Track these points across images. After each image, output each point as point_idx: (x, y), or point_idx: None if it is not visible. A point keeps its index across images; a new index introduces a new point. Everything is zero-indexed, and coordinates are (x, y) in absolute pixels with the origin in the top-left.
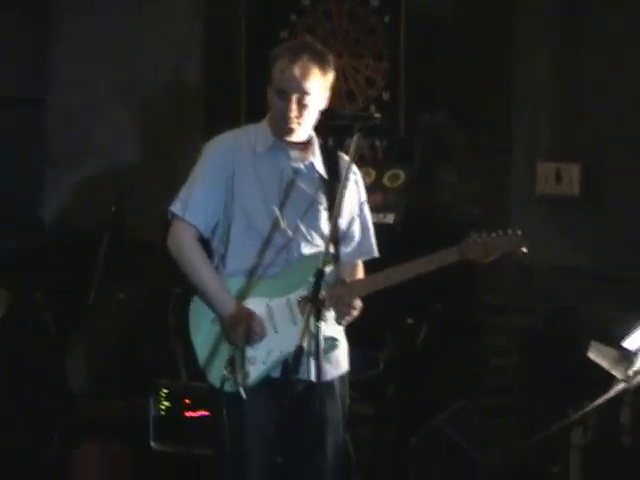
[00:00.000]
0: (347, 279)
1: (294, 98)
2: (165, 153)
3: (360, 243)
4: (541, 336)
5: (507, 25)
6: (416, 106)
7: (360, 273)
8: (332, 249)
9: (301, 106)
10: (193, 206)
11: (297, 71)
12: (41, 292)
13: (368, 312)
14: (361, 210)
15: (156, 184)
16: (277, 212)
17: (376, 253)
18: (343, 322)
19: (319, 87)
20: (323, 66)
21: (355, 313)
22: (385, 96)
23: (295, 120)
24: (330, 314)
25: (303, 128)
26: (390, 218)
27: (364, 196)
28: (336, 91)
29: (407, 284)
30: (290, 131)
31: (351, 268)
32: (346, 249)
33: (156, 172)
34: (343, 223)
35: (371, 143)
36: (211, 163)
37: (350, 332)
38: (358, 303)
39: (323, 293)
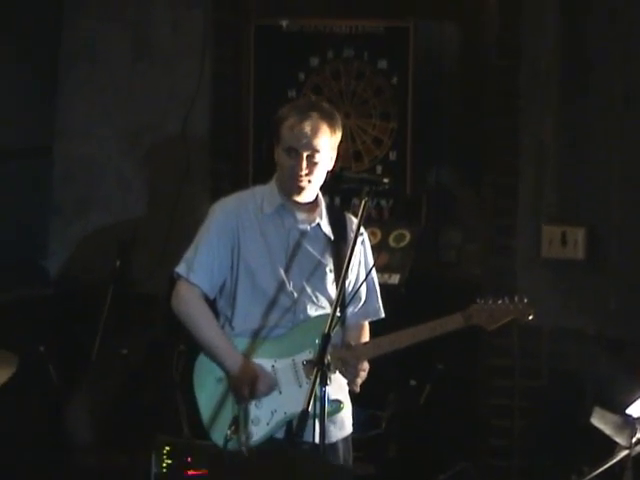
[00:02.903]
0: (352, 342)
1: (304, 155)
2: (170, 205)
3: (366, 304)
4: (545, 398)
5: (514, 86)
6: (423, 166)
7: (366, 335)
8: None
9: (311, 164)
10: (198, 268)
11: (307, 128)
12: (44, 344)
13: (371, 372)
14: (367, 271)
15: (161, 237)
16: (282, 274)
17: (382, 314)
18: (355, 388)
19: (328, 145)
20: (332, 125)
21: (364, 375)
22: (392, 156)
23: (305, 178)
24: (335, 377)
25: (312, 187)
26: (395, 279)
27: (370, 257)
28: (343, 151)
29: (411, 345)
30: (300, 190)
31: (357, 330)
32: (352, 309)
33: (161, 225)
34: (350, 285)
35: (377, 203)
36: (216, 225)
37: (353, 392)
38: (366, 365)
39: (329, 357)
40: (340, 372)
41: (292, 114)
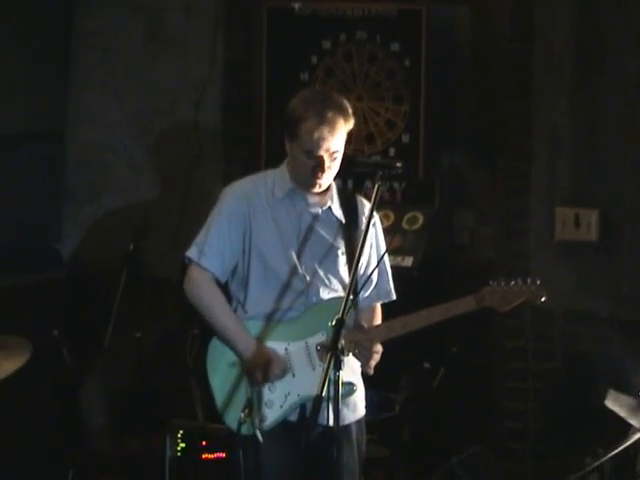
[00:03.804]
0: (365, 325)
1: (326, 157)
2: (182, 189)
3: (378, 287)
4: (558, 381)
5: (527, 69)
6: (435, 149)
7: (378, 317)
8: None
9: (330, 161)
10: (209, 252)
11: (326, 132)
12: (58, 328)
13: (384, 355)
14: (379, 254)
15: (173, 221)
16: (295, 257)
17: (394, 296)
18: (369, 370)
19: (344, 138)
20: (346, 117)
21: (377, 357)
22: (405, 138)
23: (325, 175)
24: (348, 359)
25: (330, 179)
26: (408, 261)
27: (382, 240)
28: (356, 133)
29: (424, 328)
30: (320, 185)
31: (369, 312)
32: (364, 293)
33: (173, 209)
34: (362, 268)
35: (390, 186)
36: (228, 209)
37: (366, 374)
38: (379, 347)
39: (342, 342)
40: (354, 355)
41: (309, 116)
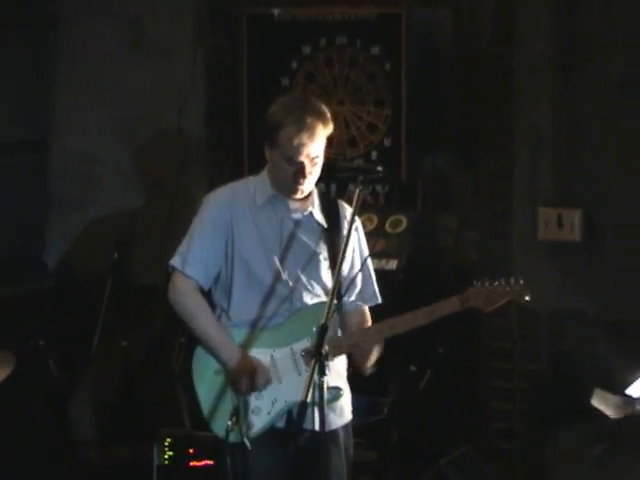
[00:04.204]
0: (354, 328)
1: (306, 163)
2: (168, 196)
3: (362, 291)
4: (545, 381)
5: (508, 70)
6: (418, 151)
7: (368, 319)
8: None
9: (311, 166)
10: (192, 260)
11: (306, 138)
12: (44, 338)
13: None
14: (362, 257)
15: (159, 228)
16: (278, 263)
17: (379, 299)
18: (366, 372)
19: (324, 142)
20: (325, 122)
21: (373, 357)
22: (387, 142)
23: (306, 181)
24: (333, 364)
25: (312, 184)
26: (393, 264)
27: (365, 244)
28: (338, 138)
29: (410, 330)
30: (302, 191)
31: (358, 316)
32: (349, 298)
33: (159, 216)
34: (345, 272)
35: (372, 189)
36: (210, 217)
37: (354, 378)
38: (377, 349)
39: (326, 347)
40: (354, 355)
41: (288, 122)
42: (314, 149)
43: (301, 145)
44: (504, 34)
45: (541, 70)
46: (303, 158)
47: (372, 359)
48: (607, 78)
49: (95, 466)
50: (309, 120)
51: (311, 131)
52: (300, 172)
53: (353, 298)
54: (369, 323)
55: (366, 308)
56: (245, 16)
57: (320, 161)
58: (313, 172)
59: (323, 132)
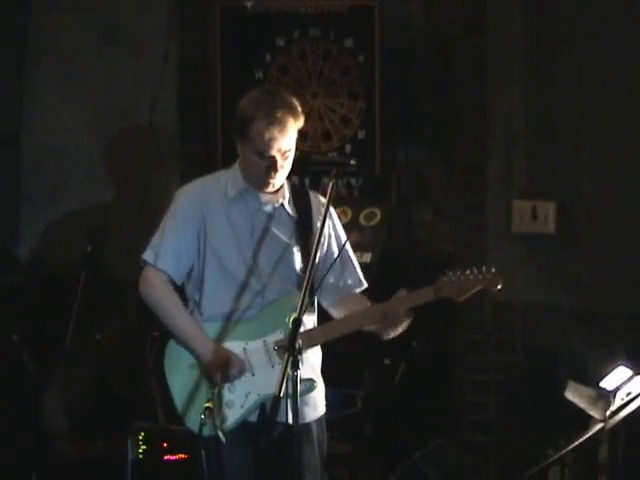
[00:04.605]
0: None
1: (278, 157)
2: (140, 190)
3: (346, 276)
4: (519, 373)
5: (481, 62)
6: (392, 144)
7: (365, 301)
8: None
9: (282, 160)
10: (164, 254)
11: (277, 132)
12: (18, 332)
13: (345, 352)
14: (339, 244)
15: (131, 222)
16: (250, 257)
17: (365, 284)
18: (390, 333)
19: (295, 136)
20: (296, 116)
21: (404, 325)
22: (360, 135)
23: (278, 175)
24: (306, 356)
25: (283, 177)
26: (367, 257)
27: (341, 230)
28: (312, 131)
29: None
30: (274, 185)
31: (353, 300)
32: (333, 282)
33: (131, 210)
34: (321, 262)
35: (347, 182)
36: (182, 211)
37: (328, 371)
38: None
39: (300, 342)
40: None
41: (259, 116)
42: (285, 143)
43: (272, 139)
44: (476, 26)
45: (514, 62)
46: (274, 152)
47: (403, 326)
48: (580, 69)
49: (69, 460)
50: (280, 114)
51: (282, 125)
52: (272, 166)
53: (340, 285)
54: (367, 304)
55: (357, 291)
56: (218, 9)
57: (291, 155)
58: (285, 166)
59: (294, 126)
